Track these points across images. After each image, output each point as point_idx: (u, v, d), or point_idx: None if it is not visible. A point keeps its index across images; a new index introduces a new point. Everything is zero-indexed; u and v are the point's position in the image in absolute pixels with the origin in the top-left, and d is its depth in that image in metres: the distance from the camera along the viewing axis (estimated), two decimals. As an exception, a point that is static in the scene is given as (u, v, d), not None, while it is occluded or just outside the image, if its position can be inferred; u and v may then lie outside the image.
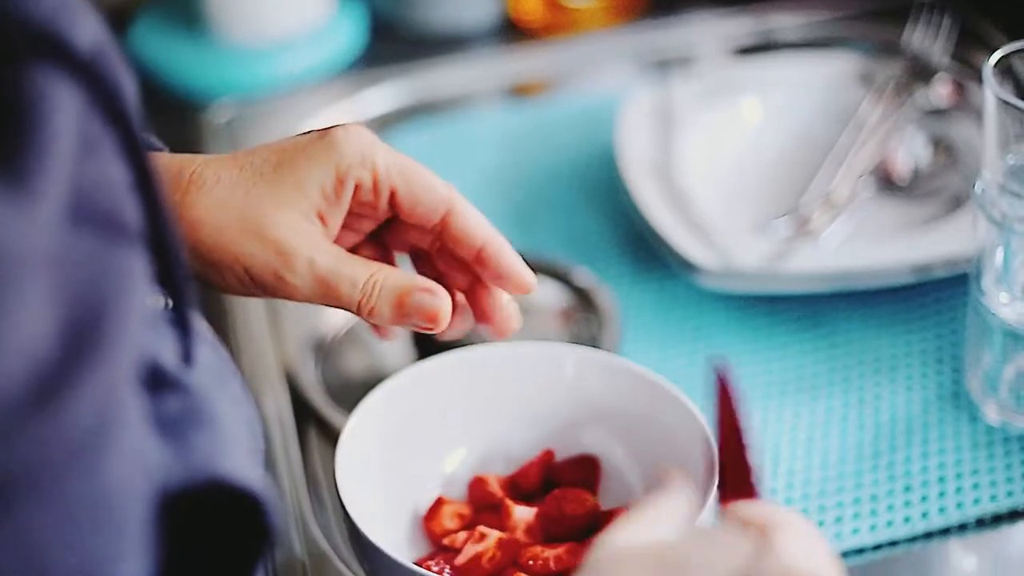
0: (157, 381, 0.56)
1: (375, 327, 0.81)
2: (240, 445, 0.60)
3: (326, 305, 0.73)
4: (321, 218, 0.73)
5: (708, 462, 0.81)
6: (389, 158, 0.75)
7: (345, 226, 0.76)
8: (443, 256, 0.79)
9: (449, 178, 1.23)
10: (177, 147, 1.27)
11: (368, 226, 0.78)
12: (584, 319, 1.06)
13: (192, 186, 0.72)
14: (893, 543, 0.89)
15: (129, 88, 0.54)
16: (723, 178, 1.17)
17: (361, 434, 0.84)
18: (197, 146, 1.28)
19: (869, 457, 0.94)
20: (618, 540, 0.62)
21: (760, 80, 1.24)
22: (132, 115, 0.53)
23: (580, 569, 0.61)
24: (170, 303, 0.59)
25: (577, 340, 1.03)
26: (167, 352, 0.58)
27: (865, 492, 0.91)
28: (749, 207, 1.14)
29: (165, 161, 0.75)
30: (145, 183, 0.54)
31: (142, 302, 0.52)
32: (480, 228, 0.76)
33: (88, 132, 0.51)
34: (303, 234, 0.72)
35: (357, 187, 0.74)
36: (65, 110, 0.49)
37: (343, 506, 0.79)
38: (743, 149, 1.20)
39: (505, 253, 0.76)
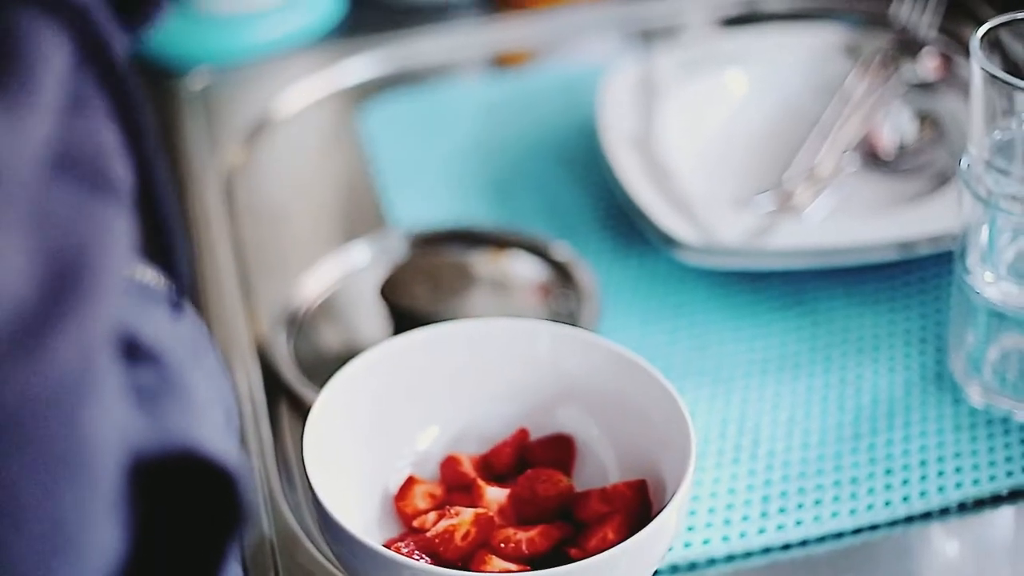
0: (133, 352, 0.55)
1: None
2: (214, 421, 0.58)
3: None
4: None
5: (685, 444, 0.79)
6: None
7: None
8: None
9: (428, 149, 1.22)
10: (152, 115, 1.26)
11: None
12: (562, 295, 1.04)
13: None
14: (874, 527, 0.87)
15: (122, 50, 0.53)
16: (706, 151, 1.15)
17: (331, 411, 0.83)
18: (172, 115, 1.26)
19: (850, 439, 0.92)
20: None
21: (745, 52, 1.22)
22: (127, 77, 0.52)
23: None
24: (159, 272, 0.58)
25: (555, 316, 1.01)
26: (145, 324, 0.57)
27: (845, 475, 0.90)
28: (732, 181, 1.12)
29: None
30: (138, 148, 0.53)
31: (122, 262, 0.51)
32: None
33: (78, 89, 0.50)
34: None
35: None
36: (53, 62, 0.48)
37: (310, 485, 0.77)
38: (727, 122, 1.18)
39: None
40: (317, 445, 0.80)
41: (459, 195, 1.16)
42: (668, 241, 1.03)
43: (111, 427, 0.49)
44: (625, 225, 1.10)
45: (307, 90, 1.29)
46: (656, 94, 1.17)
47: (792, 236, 1.03)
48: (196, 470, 0.55)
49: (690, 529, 0.87)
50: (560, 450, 0.86)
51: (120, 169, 0.52)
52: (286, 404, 0.98)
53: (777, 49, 1.22)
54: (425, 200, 1.16)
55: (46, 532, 0.47)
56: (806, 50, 1.22)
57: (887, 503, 0.88)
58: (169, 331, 0.59)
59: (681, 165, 1.10)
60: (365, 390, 0.85)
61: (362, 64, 1.32)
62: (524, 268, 1.07)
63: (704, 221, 1.03)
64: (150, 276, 0.60)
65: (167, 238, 0.56)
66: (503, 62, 1.36)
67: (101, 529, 0.49)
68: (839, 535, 0.87)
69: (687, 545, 0.86)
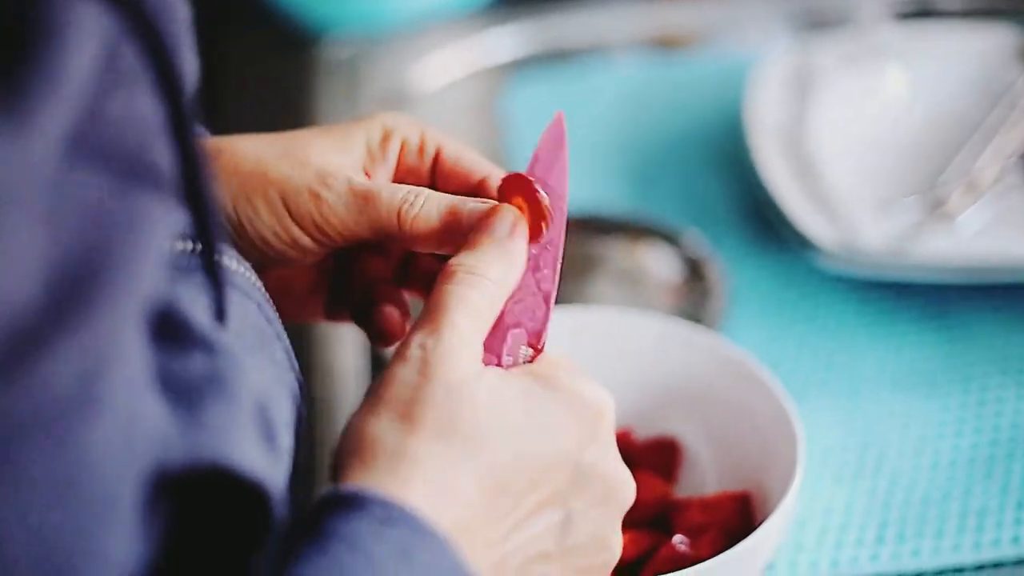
0: (178, 336, 0.52)
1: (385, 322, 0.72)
2: (259, 421, 0.55)
3: (363, 230, 0.66)
4: (366, 173, 0.69)
5: (792, 456, 0.74)
6: (436, 129, 0.71)
7: None
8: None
9: (571, 130, 1.17)
10: (290, 83, 1.24)
11: None
12: (691, 289, 0.99)
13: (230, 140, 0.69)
14: (997, 564, 0.80)
15: (179, 19, 0.50)
16: (857, 150, 1.09)
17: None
18: (311, 83, 1.23)
19: (983, 465, 0.86)
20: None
21: (909, 48, 1.16)
22: (175, 49, 0.49)
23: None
24: (200, 252, 0.55)
25: (681, 312, 0.96)
26: (196, 306, 0.54)
27: (973, 503, 0.83)
28: (883, 184, 1.06)
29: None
30: (180, 124, 0.50)
31: (159, 250, 0.48)
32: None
33: (119, 63, 0.47)
34: (344, 163, 0.67)
35: (403, 146, 0.69)
36: (87, 36, 0.45)
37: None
38: (883, 121, 1.12)
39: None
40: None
41: (598, 180, 1.12)
42: (807, 244, 0.97)
43: (125, 440, 0.46)
44: (764, 223, 1.04)
45: (452, 64, 1.26)
46: (810, 87, 1.12)
47: (940, 247, 0.97)
48: (227, 484, 0.51)
49: (798, 548, 0.81)
50: (664, 454, 0.82)
51: (160, 148, 0.49)
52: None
53: (944, 47, 1.16)
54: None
55: (34, 556, 0.44)
56: (975, 50, 1.15)
57: (1015, 539, 0.81)
58: (234, 316, 0.56)
59: (829, 163, 1.05)
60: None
61: (511, 39, 1.28)
62: (655, 260, 1.02)
63: (847, 224, 0.98)
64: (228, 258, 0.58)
65: (207, 218, 0.53)
66: (660, 44, 1.31)
67: (111, 548, 0.46)
68: (959, 570, 0.81)
69: (792, 565, 0.80)
